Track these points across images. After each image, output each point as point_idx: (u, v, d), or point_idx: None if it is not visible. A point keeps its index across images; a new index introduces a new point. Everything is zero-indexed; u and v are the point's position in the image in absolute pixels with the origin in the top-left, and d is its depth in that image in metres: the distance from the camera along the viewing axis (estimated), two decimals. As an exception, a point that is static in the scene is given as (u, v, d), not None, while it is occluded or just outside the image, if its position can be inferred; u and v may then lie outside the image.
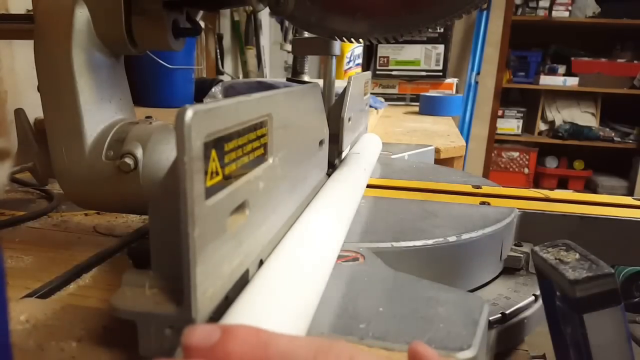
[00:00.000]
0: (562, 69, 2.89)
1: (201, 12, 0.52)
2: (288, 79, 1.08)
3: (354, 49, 1.70)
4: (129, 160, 0.37)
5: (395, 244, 0.40)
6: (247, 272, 0.27)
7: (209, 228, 0.21)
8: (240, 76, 2.12)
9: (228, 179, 0.23)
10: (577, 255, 0.36)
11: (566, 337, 0.37)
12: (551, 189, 2.73)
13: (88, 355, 0.27)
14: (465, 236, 0.42)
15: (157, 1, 0.40)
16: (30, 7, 0.40)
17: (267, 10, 0.46)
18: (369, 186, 0.57)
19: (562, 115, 3.00)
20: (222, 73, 1.97)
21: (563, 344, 0.38)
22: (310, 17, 0.50)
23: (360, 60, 1.76)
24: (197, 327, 0.19)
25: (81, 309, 0.32)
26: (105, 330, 0.30)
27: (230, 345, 0.18)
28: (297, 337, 0.20)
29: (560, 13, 2.77)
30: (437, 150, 0.97)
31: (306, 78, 0.98)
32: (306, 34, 0.64)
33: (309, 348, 0.18)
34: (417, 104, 1.70)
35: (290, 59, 1.68)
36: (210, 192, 0.21)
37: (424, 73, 1.89)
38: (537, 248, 0.38)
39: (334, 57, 0.64)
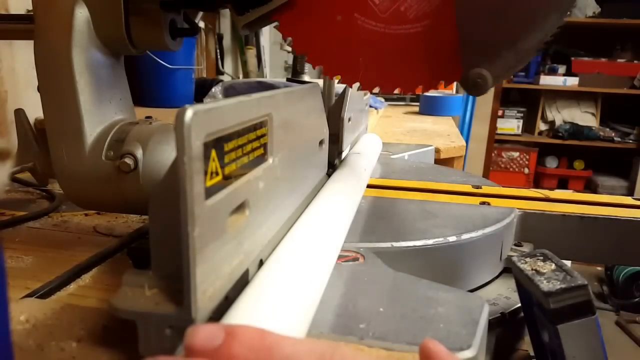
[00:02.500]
0: (562, 69, 2.89)
1: (201, 13, 0.51)
2: (288, 79, 1.08)
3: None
4: (129, 161, 0.37)
5: (395, 244, 0.40)
6: (247, 272, 0.27)
7: (208, 228, 0.21)
8: (241, 76, 2.12)
9: (228, 179, 0.23)
10: (553, 266, 0.37)
11: (545, 345, 0.38)
12: (551, 189, 2.72)
13: (88, 355, 0.27)
14: (465, 236, 0.42)
15: (154, 1, 0.40)
16: (31, 7, 0.40)
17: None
18: (369, 186, 0.57)
19: (562, 115, 3.00)
20: (222, 73, 1.97)
21: (543, 351, 0.38)
22: None
23: (360, 60, 1.76)
24: (199, 327, 0.18)
25: (81, 309, 0.32)
26: (105, 330, 0.30)
27: (235, 348, 0.18)
28: (301, 340, 0.20)
29: (560, 13, 2.77)
30: (437, 150, 0.97)
31: (306, 78, 0.98)
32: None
33: (312, 352, 0.18)
34: (417, 104, 1.70)
35: (290, 59, 1.68)
36: (210, 192, 0.21)
37: (424, 73, 1.89)
38: (515, 258, 0.39)
39: (334, 57, 0.64)
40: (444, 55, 0.46)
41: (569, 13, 0.40)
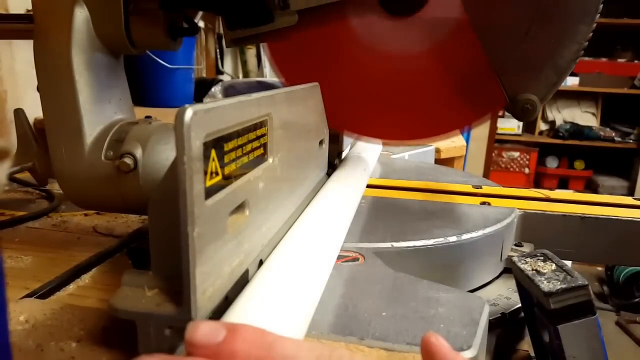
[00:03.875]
0: (562, 68, 2.88)
1: (200, 12, 0.51)
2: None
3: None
4: (128, 160, 0.37)
5: (396, 244, 0.40)
6: (246, 272, 0.26)
7: (208, 228, 0.21)
8: (240, 76, 2.12)
9: (228, 179, 0.23)
10: (554, 266, 0.37)
11: (545, 345, 0.38)
12: (552, 189, 2.72)
13: (87, 355, 0.27)
14: (465, 236, 0.42)
15: (154, 1, 0.40)
16: (30, 7, 0.40)
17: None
18: (369, 186, 0.57)
19: (563, 115, 2.99)
20: (222, 73, 1.97)
21: (543, 351, 0.38)
22: None
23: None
24: (200, 323, 0.19)
25: (81, 309, 0.32)
26: (105, 331, 0.29)
27: (237, 344, 0.18)
28: (301, 341, 0.20)
29: (560, 13, 2.76)
30: (438, 150, 0.97)
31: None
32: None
33: (311, 352, 0.18)
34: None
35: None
36: (209, 192, 0.21)
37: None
38: (515, 258, 0.39)
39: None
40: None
41: (598, 16, 0.40)
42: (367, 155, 0.62)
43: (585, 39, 0.41)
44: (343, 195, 0.43)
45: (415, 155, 0.88)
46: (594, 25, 0.40)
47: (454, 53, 0.44)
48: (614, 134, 2.86)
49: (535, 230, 0.52)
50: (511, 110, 0.43)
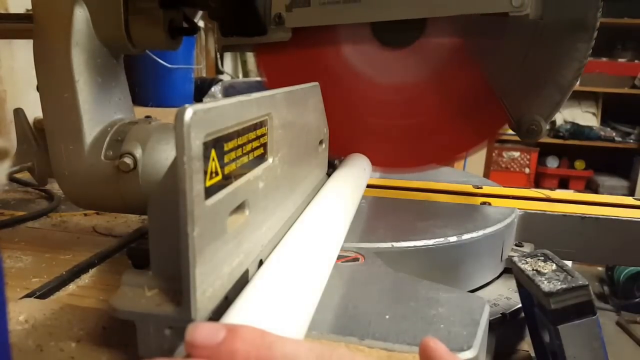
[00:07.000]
0: (562, 68, 2.88)
1: (200, 12, 0.51)
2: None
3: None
4: (128, 160, 0.37)
5: (396, 244, 0.40)
6: (246, 272, 0.26)
7: (208, 228, 0.21)
8: (240, 75, 2.12)
9: (228, 179, 0.23)
10: (554, 266, 0.37)
11: (546, 345, 0.38)
12: (552, 189, 2.71)
13: (87, 355, 0.27)
14: (466, 236, 0.42)
15: (154, 0, 0.40)
16: (30, 7, 0.40)
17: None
18: (369, 186, 0.56)
19: (563, 115, 2.99)
20: (221, 72, 1.96)
21: (543, 351, 0.38)
22: None
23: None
24: (200, 324, 0.19)
25: (80, 309, 0.32)
26: (105, 331, 0.29)
27: (236, 344, 0.18)
28: (301, 341, 0.20)
29: (560, 12, 2.76)
30: (438, 150, 0.96)
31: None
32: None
33: (311, 351, 0.18)
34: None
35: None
36: (209, 192, 0.21)
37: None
38: (515, 258, 0.39)
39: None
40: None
41: (595, 34, 0.40)
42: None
43: (585, 56, 0.41)
44: (343, 195, 0.42)
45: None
46: (593, 42, 0.40)
47: (454, 80, 0.44)
48: (614, 134, 2.86)
49: (536, 230, 0.52)
50: (517, 131, 0.43)
